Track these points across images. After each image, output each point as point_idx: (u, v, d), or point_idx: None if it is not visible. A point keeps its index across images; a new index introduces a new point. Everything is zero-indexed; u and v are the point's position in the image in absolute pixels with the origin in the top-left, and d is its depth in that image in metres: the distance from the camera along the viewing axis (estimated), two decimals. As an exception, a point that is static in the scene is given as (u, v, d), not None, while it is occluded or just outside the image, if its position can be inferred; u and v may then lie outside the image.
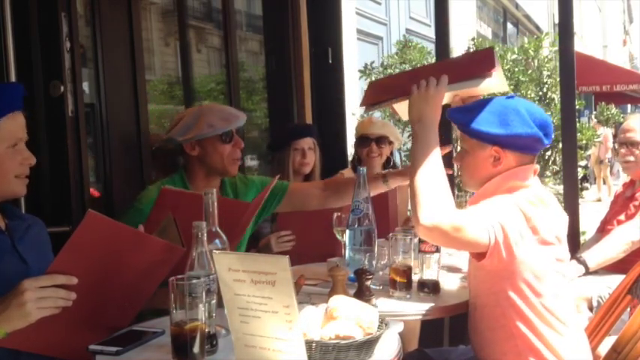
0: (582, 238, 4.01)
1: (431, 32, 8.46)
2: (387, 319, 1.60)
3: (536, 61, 6.21)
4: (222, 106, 2.72)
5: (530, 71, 6.15)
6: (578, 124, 5.43)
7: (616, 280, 2.36)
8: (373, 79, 6.78)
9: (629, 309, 2.25)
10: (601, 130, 13.14)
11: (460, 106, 2.06)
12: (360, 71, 6.79)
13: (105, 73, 2.89)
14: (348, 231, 2.23)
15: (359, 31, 8.07)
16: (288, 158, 3.27)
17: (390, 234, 2.23)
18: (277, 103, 4.33)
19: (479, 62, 2.01)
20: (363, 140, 3.48)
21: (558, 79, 4.13)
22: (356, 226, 2.21)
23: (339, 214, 2.36)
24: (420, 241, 2.11)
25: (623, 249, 2.85)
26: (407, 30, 9.48)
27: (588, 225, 4.61)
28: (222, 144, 2.46)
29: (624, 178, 3.32)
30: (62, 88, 2.61)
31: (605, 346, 2.16)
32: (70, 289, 1.53)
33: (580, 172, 7.95)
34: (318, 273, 2.28)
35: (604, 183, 13.24)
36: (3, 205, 1.80)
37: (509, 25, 15.73)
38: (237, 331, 1.45)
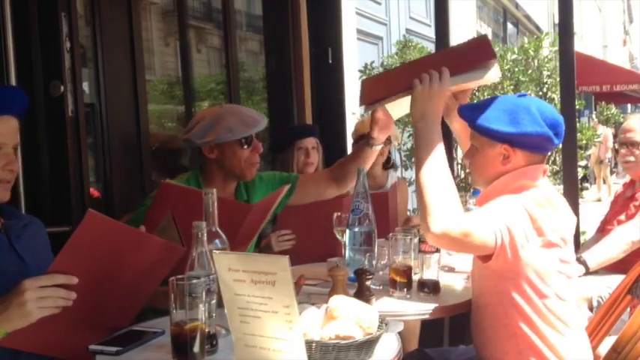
0: (582, 238, 4.01)
1: (431, 32, 8.45)
2: (387, 319, 1.60)
3: (536, 61, 6.20)
4: (243, 109, 2.63)
5: (530, 71, 6.14)
6: (578, 124, 5.43)
7: (616, 280, 2.36)
8: (370, 77, 6.75)
9: (629, 309, 2.25)
10: (601, 130, 13.14)
11: (471, 103, 2.04)
12: (360, 71, 6.77)
13: (105, 73, 2.90)
14: (348, 231, 2.23)
15: (359, 31, 8.05)
16: (292, 158, 3.27)
17: (390, 234, 2.23)
18: (277, 103, 4.33)
19: (477, 52, 1.98)
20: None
21: (558, 79, 4.13)
22: (356, 226, 2.20)
23: (339, 214, 2.35)
24: (420, 241, 2.11)
25: (623, 249, 2.85)
26: (407, 30, 9.46)
27: (588, 225, 4.62)
28: (241, 148, 2.42)
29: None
30: (62, 88, 2.61)
31: (605, 346, 2.16)
32: (70, 289, 1.53)
33: (580, 172, 7.95)
34: (318, 273, 2.28)
35: (604, 183, 13.25)
36: (0, 205, 1.79)
37: (509, 25, 15.71)
38: (237, 331, 1.45)
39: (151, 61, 3.73)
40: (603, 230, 3.22)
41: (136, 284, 1.74)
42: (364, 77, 2.54)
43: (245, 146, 2.42)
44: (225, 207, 1.75)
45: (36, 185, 2.66)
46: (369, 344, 1.50)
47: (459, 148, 3.17)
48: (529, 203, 1.82)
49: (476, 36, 2.14)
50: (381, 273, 2.25)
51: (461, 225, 1.73)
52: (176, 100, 4.04)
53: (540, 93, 5.97)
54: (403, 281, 2.06)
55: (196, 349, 1.45)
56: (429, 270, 2.10)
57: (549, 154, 2.06)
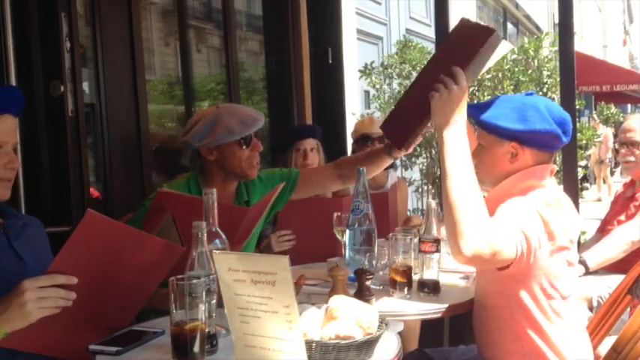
0: (582, 238, 4.01)
1: (431, 32, 8.46)
2: (387, 319, 1.60)
3: (536, 61, 6.20)
4: (240, 108, 2.61)
5: (530, 71, 6.14)
6: (578, 124, 5.43)
7: (616, 280, 2.36)
8: (373, 78, 6.75)
9: (629, 309, 2.25)
10: (601, 129, 13.15)
11: (479, 102, 2.03)
12: (360, 71, 6.78)
13: (105, 73, 2.90)
14: (348, 231, 2.23)
15: (359, 31, 8.06)
16: (291, 159, 3.27)
17: (390, 234, 2.23)
18: (277, 103, 4.33)
19: (475, 32, 1.91)
20: (364, 139, 3.47)
21: (558, 79, 4.13)
22: (356, 226, 2.20)
23: (339, 214, 2.35)
24: (420, 240, 2.11)
25: (623, 249, 2.85)
26: (407, 30, 9.47)
27: (588, 225, 4.62)
28: (240, 149, 2.39)
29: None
30: (62, 88, 2.61)
31: (605, 346, 2.16)
32: (69, 289, 1.53)
33: (580, 172, 7.96)
34: (318, 273, 2.27)
35: (604, 183, 13.25)
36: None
37: (510, 25, 15.72)
38: (237, 331, 1.45)
39: (151, 61, 3.73)
40: (603, 230, 3.22)
41: (136, 284, 1.74)
42: (380, 124, 2.45)
43: (244, 146, 2.41)
44: (224, 213, 1.74)
45: (36, 185, 2.66)
46: (369, 344, 1.50)
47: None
48: (539, 204, 1.80)
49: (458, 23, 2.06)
50: (381, 273, 2.25)
51: (490, 244, 1.66)
52: (176, 100, 4.04)
53: (540, 93, 5.97)
54: (403, 281, 2.06)
55: (196, 349, 1.45)
56: (429, 270, 2.10)
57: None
